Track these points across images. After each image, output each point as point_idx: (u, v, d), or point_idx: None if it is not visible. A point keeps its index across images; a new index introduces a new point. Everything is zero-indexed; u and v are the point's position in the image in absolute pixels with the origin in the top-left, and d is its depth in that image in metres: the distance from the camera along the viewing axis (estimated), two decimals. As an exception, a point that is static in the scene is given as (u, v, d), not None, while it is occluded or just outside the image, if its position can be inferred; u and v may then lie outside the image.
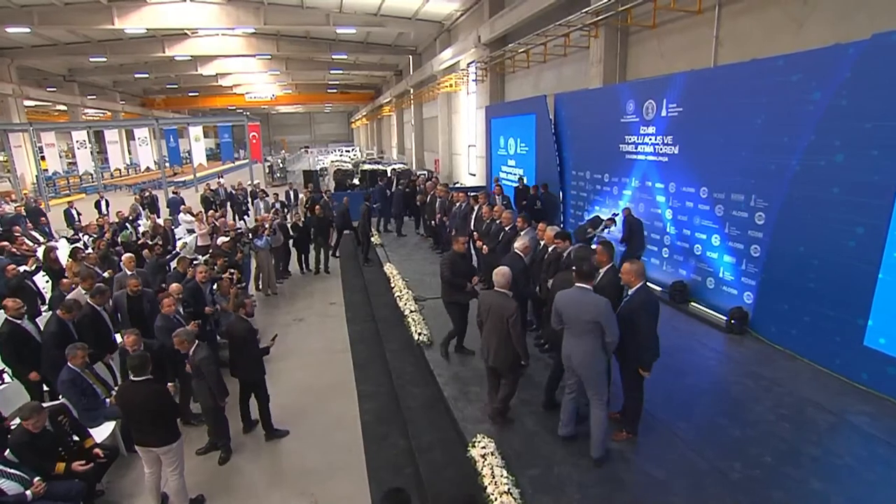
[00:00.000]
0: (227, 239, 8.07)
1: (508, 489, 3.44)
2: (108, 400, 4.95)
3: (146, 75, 31.15)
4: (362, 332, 7.78)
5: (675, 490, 3.65)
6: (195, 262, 6.81)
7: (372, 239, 12.70)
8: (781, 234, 5.84)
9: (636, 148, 8.55)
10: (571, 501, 3.58)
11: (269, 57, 28.18)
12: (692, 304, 7.37)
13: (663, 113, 7.76)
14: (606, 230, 8.43)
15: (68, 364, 4.66)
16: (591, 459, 3.96)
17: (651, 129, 8.10)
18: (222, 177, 20.51)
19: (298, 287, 10.21)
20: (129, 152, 31.99)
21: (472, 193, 11.06)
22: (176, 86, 38.58)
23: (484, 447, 3.92)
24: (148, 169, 24.07)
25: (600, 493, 3.65)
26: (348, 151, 40.95)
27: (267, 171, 27.58)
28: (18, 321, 5.04)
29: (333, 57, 28.46)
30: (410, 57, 28.92)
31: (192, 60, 28.37)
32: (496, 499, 3.41)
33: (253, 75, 35.22)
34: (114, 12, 18.74)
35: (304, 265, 11.19)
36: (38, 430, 3.79)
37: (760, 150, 6.10)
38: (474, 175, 20.75)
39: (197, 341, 4.57)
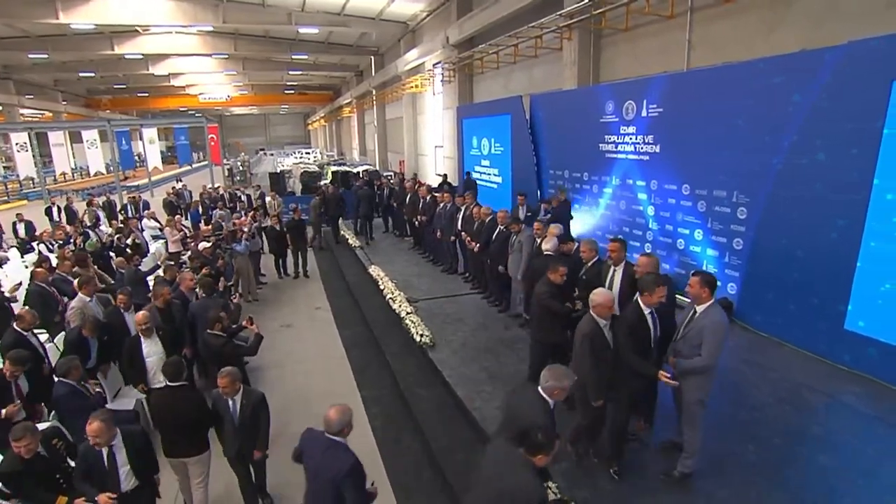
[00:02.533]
0: (209, 245, 7.73)
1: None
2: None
3: (92, 74, 29.44)
4: (355, 336, 7.65)
5: (700, 474, 3.79)
6: (184, 268, 6.48)
7: (349, 241, 12.55)
8: (766, 229, 6.17)
9: (616, 147, 8.81)
10: (605, 492, 3.67)
11: (226, 56, 27.28)
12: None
13: (643, 113, 8.04)
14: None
15: (62, 379, 4.36)
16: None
17: (631, 129, 8.37)
18: (180, 180, 19.71)
19: (280, 292, 9.93)
20: (73, 156, 30.12)
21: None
22: (124, 86, 36.63)
23: (513, 445, 3.94)
24: (98, 173, 22.74)
25: (632, 483, 3.76)
26: (308, 153, 40.22)
27: (227, 174, 26.61)
28: (25, 333, 4.77)
29: (293, 57, 27.84)
30: (372, 58, 28.66)
31: (143, 59, 27.04)
32: (536, 495, 3.43)
33: (207, 75, 33.98)
34: (58, 5, 17.52)
35: (282, 270, 10.89)
36: (31, 455, 3.44)
37: (742, 149, 6.42)
38: (441, 176, 20.77)
39: (242, 386, 3.82)
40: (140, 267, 8.15)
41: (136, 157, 30.84)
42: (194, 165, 35.34)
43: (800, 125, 5.68)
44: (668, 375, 3.55)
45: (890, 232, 4.99)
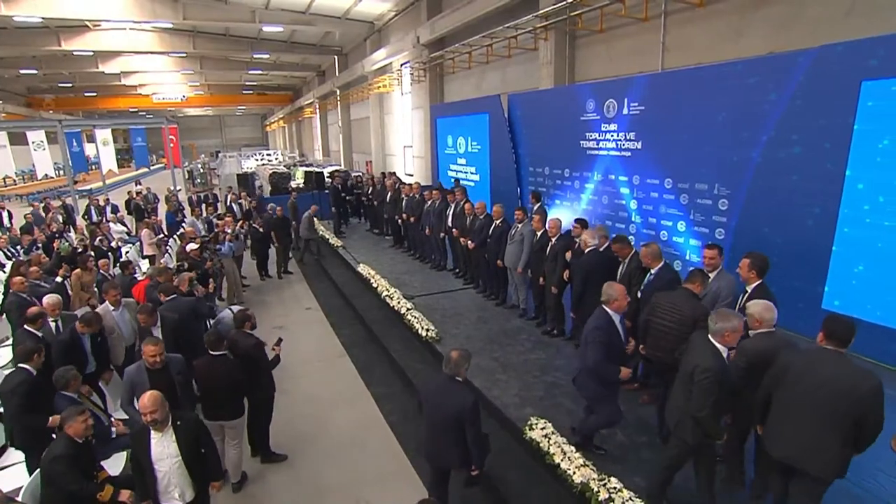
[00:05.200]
0: (196, 246, 7.51)
1: (584, 462, 3.64)
2: (113, 429, 4.50)
3: (34, 72, 27.62)
4: (352, 335, 7.63)
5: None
6: (181, 271, 6.28)
7: (330, 241, 12.43)
8: (747, 219, 6.59)
9: (598, 144, 9.14)
10: (635, 469, 3.85)
11: (183, 55, 26.26)
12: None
13: (625, 111, 8.38)
14: None
15: (62, 392, 4.15)
16: (631, 432, 4.29)
17: (613, 127, 8.71)
18: (139, 183, 18.90)
19: (265, 294, 9.75)
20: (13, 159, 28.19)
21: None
22: (70, 84, 34.51)
23: (543, 428, 4.09)
24: (46, 176, 21.42)
25: (655, 458, 3.95)
26: (270, 155, 39.32)
27: (187, 176, 25.64)
28: (39, 333, 4.63)
29: (254, 56, 27.12)
30: (336, 57, 28.32)
31: (93, 56, 25.63)
32: (574, 472, 3.59)
33: (162, 74, 32.59)
34: (-1, -3, 16.48)
35: (264, 271, 10.68)
36: (83, 439, 3.27)
37: (723, 145, 6.82)
38: (412, 175, 20.83)
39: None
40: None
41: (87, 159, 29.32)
42: (151, 168, 33.87)
43: (777, 121, 6.12)
44: None
45: (861, 218, 5.47)
